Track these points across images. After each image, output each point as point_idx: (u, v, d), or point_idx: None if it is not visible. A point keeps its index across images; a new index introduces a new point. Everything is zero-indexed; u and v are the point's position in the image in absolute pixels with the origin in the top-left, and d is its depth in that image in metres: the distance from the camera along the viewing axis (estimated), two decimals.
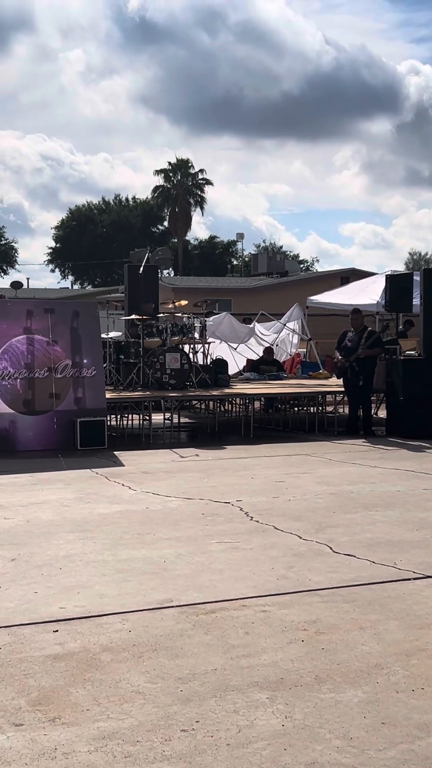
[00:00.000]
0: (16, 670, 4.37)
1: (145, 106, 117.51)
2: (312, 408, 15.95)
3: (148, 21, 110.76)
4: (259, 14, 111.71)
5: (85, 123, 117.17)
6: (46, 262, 76.37)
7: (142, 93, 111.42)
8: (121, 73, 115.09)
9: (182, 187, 68.37)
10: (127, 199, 77.93)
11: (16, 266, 74.94)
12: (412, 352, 15.13)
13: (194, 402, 17.19)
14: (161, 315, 16.55)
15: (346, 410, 15.22)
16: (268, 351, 18.87)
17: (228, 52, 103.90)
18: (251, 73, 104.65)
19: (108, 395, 13.35)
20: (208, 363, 16.19)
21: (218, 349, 18.06)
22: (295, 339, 20.48)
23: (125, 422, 15.22)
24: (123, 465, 11.12)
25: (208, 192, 71.50)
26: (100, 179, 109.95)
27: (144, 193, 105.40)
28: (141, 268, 17.44)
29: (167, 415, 14.79)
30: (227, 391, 15.34)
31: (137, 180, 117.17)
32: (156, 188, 69.97)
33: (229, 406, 17.41)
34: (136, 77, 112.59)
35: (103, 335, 14.86)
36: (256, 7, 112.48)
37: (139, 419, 14.80)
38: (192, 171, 69.68)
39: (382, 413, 15.29)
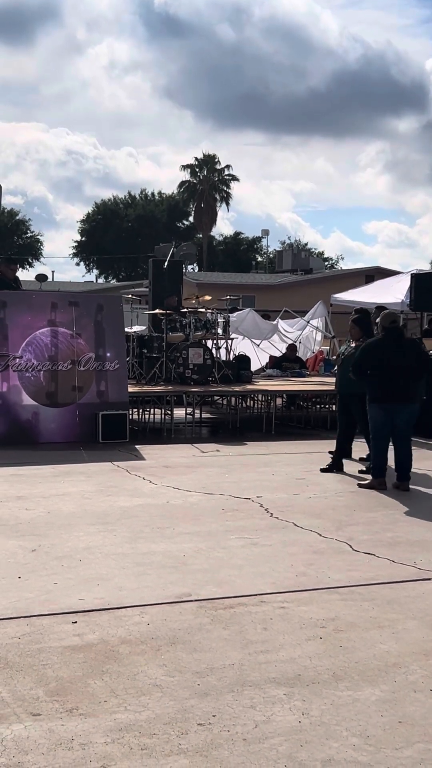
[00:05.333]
0: (35, 660, 4.39)
1: (170, 101, 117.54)
2: (334, 406, 15.88)
3: (173, 16, 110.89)
4: (284, 8, 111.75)
5: (108, 117, 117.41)
6: (71, 256, 76.68)
7: (167, 87, 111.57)
8: (145, 67, 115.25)
9: (208, 182, 68.34)
10: (152, 193, 78.09)
11: (41, 259, 75.32)
12: None
13: (216, 397, 17.19)
14: (185, 310, 16.56)
15: None
16: (291, 348, 18.84)
17: (253, 47, 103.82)
18: (276, 68, 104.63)
19: (130, 389, 13.37)
20: (231, 359, 16.19)
21: (241, 345, 18.06)
22: (319, 336, 20.45)
23: (147, 416, 15.24)
24: (144, 459, 11.14)
25: (233, 188, 71.47)
26: (125, 173, 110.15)
27: (168, 187, 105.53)
28: (166, 263, 17.47)
29: (189, 409, 14.80)
30: (249, 387, 15.32)
31: (161, 174, 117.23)
32: (182, 183, 70.02)
33: (251, 402, 17.39)
34: (161, 71, 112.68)
35: (127, 329, 14.89)
36: (281, 1, 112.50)
37: (161, 413, 14.81)
38: (218, 167, 69.65)
39: None
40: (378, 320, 9.48)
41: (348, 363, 10.04)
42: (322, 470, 10.18)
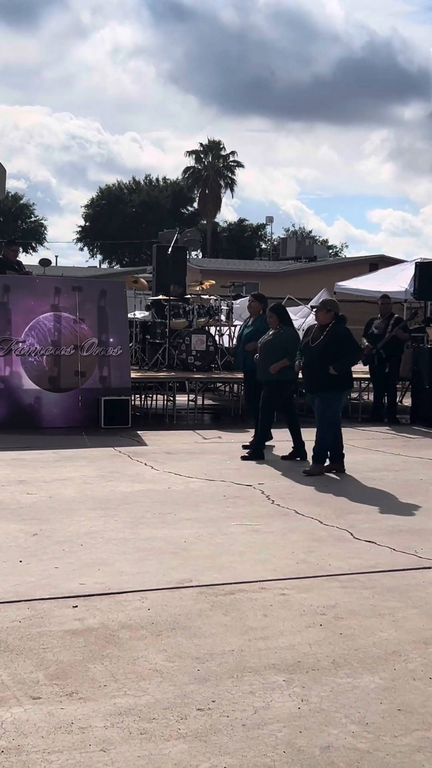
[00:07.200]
0: (35, 644, 4.40)
1: (175, 86, 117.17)
2: None
3: (178, 0, 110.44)
4: None
5: (112, 101, 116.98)
6: (74, 241, 76.51)
7: (171, 72, 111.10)
8: (149, 52, 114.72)
9: (213, 168, 68.09)
10: (157, 179, 77.84)
11: (45, 244, 75.21)
12: None
13: (218, 384, 17.19)
14: (188, 296, 16.54)
15: (371, 397, 15.16)
16: None
17: (258, 33, 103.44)
18: (281, 54, 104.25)
19: (133, 375, 13.37)
20: (234, 345, 16.15)
21: None
22: None
23: (149, 402, 15.25)
24: (146, 445, 11.14)
25: (238, 174, 71.21)
26: (129, 159, 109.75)
27: (172, 173, 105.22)
28: (170, 249, 17.42)
29: (191, 396, 14.79)
30: None
31: (165, 160, 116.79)
32: (186, 169, 69.73)
33: None
34: (165, 56, 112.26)
35: (130, 315, 14.86)
36: None
37: (164, 400, 14.81)
38: (223, 153, 69.39)
39: (407, 401, 15.22)
40: (324, 306, 9.53)
41: (274, 349, 10.02)
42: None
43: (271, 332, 10.31)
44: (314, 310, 10.16)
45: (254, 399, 11.06)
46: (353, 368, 9.20)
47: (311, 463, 9.44)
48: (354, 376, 15.29)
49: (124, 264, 70.20)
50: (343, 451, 9.68)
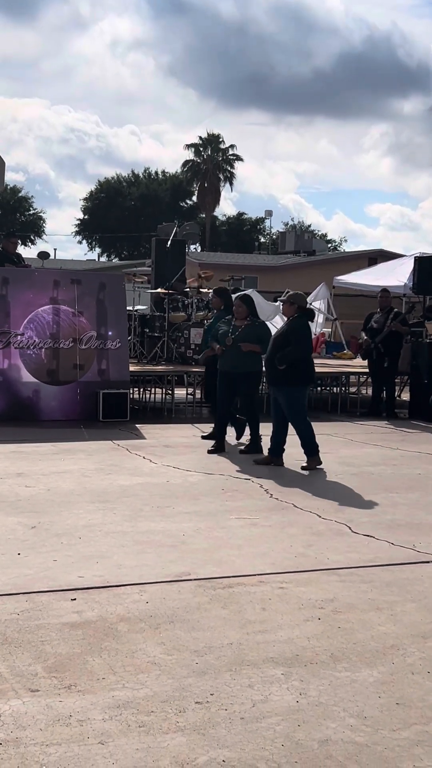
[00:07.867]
0: (34, 636, 4.40)
1: (174, 79, 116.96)
2: (335, 388, 15.88)
3: None
4: None
5: (111, 94, 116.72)
6: (73, 234, 76.45)
7: (171, 65, 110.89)
8: (149, 45, 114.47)
9: (212, 162, 68.00)
10: (156, 172, 77.74)
11: (44, 236, 75.13)
12: None
13: None
14: (187, 290, 16.52)
15: (370, 391, 15.16)
16: None
17: (257, 26, 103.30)
18: (280, 47, 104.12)
19: (132, 368, 13.35)
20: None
21: None
22: (321, 318, 20.40)
23: (148, 396, 15.24)
24: (144, 438, 11.14)
25: (237, 168, 71.09)
26: (127, 152, 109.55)
27: (171, 166, 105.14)
28: (168, 242, 17.39)
29: (190, 389, 14.78)
30: None
31: (164, 153, 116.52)
32: (185, 162, 69.65)
33: None
34: (165, 49, 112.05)
35: (129, 308, 14.84)
36: None
37: (162, 393, 14.81)
38: (222, 146, 69.27)
39: (406, 396, 15.22)
40: (288, 299, 9.48)
41: (249, 341, 9.91)
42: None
43: (237, 323, 10.10)
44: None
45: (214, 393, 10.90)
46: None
47: (306, 458, 9.40)
48: (352, 370, 15.50)
49: (122, 257, 70.17)
50: (284, 447, 9.50)
